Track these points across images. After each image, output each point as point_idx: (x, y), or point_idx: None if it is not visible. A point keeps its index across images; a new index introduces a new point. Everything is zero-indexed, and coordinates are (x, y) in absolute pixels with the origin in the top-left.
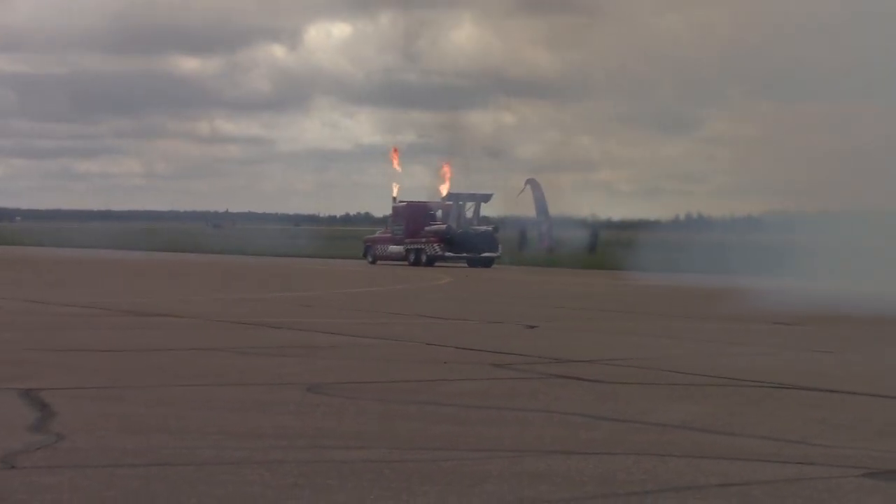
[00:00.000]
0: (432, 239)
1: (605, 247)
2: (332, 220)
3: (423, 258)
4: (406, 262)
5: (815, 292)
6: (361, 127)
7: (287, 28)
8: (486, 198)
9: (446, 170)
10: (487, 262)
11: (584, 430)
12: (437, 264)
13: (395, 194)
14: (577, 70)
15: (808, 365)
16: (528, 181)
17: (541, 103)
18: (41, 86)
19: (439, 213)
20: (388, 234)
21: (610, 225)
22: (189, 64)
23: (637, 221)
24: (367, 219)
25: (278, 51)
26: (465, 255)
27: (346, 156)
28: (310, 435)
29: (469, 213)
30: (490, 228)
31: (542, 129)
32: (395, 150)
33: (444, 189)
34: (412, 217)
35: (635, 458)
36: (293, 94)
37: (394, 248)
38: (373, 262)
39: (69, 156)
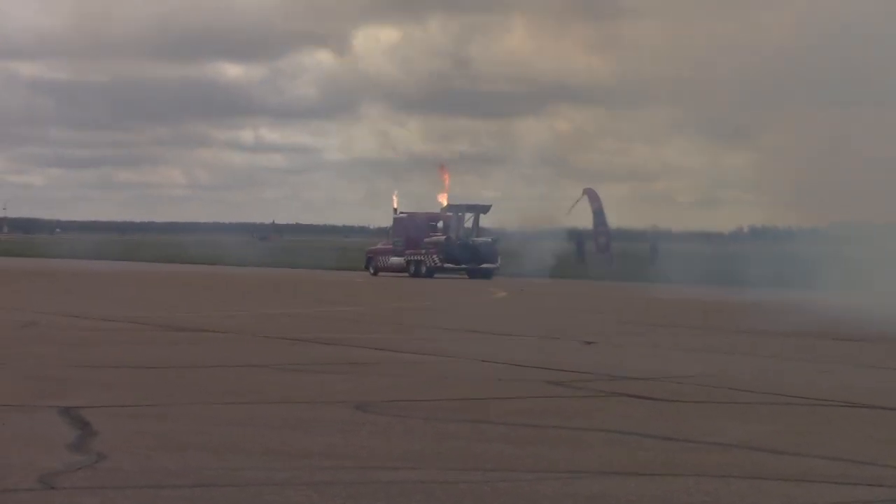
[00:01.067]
0: (432, 250)
1: (665, 259)
2: (383, 231)
3: (423, 269)
4: (406, 274)
5: (884, 307)
6: (411, 135)
7: (334, 33)
8: (486, 209)
9: (445, 178)
10: (487, 274)
11: (642, 450)
12: (436, 276)
13: (395, 205)
14: (633, 76)
15: (875, 383)
16: (586, 191)
17: (596, 110)
18: (80, 93)
19: (440, 224)
20: (390, 246)
21: (670, 236)
22: (232, 70)
23: (697, 233)
24: None
25: (325, 56)
26: (464, 266)
27: (395, 165)
28: (357, 455)
29: (468, 224)
30: (490, 240)
31: (597, 137)
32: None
33: (443, 198)
34: (412, 228)
35: (696, 480)
36: (340, 101)
37: (394, 260)
38: (374, 274)
39: (109, 165)
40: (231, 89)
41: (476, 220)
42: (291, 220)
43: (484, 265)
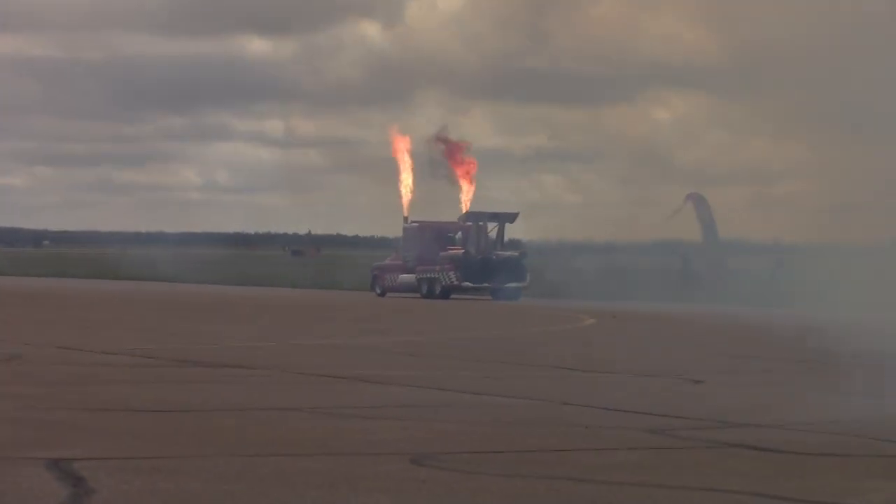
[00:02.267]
0: (447, 266)
1: (791, 277)
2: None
3: (437, 289)
4: (418, 295)
5: None
6: (477, 125)
7: (381, 1)
8: (512, 217)
9: (455, 158)
10: (514, 295)
11: None
12: (453, 296)
13: (405, 213)
14: (749, 55)
15: None
16: (690, 196)
17: (704, 97)
18: (72, 74)
19: (458, 235)
20: (399, 262)
21: (797, 250)
22: (258, 47)
23: (830, 245)
24: None
25: (370, 30)
26: (485, 285)
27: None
28: None
29: (493, 236)
30: (516, 254)
31: (705, 130)
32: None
33: (466, 196)
34: (425, 241)
35: None
36: (389, 84)
37: (404, 278)
38: (381, 295)
39: (108, 163)
40: (257, 70)
41: (501, 231)
42: (331, 231)
43: (509, 284)
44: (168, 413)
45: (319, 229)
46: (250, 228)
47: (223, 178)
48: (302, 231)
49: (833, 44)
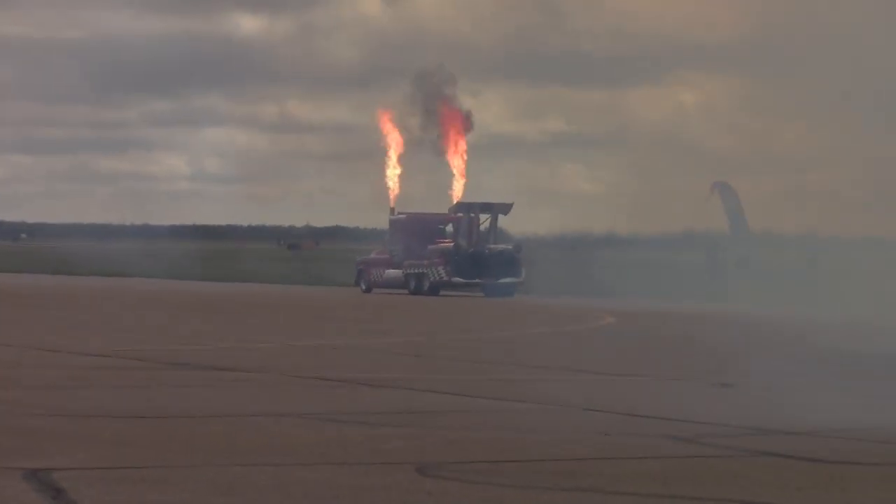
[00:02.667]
0: (436, 261)
1: (828, 272)
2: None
3: (426, 285)
4: (406, 291)
5: None
6: (489, 109)
7: None
8: (506, 208)
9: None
10: (507, 291)
11: None
12: (442, 292)
13: (392, 204)
14: (783, 34)
15: None
16: (717, 185)
17: (733, 78)
18: (48, 55)
19: (449, 228)
20: (385, 256)
21: (831, 243)
22: (251, 24)
23: (870, 239)
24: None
25: (371, 6)
26: (477, 280)
27: (468, 148)
28: None
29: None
30: (510, 247)
31: (734, 114)
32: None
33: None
34: (412, 233)
35: None
36: (393, 65)
37: (391, 273)
38: (367, 291)
39: (87, 150)
40: (249, 50)
41: (494, 223)
42: (330, 223)
43: (503, 280)
44: (156, 419)
45: (318, 221)
46: (243, 221)
47: (213, 167)
48: (299, 224)
49: (877, 23)
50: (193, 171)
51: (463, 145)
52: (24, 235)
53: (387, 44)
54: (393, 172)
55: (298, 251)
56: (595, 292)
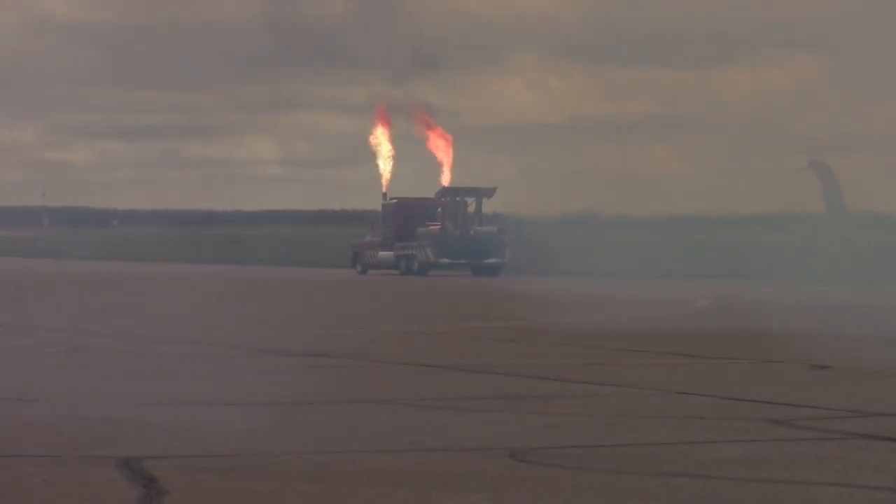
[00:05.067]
0: (424, 243)
1: None
2: (538, 222)
3: (415, 266)
4: (397, 272)
5: None
6: (576, 91)
7: None
8: (490, 192)
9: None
10: (493, 271)
11: None
12: (430, 273)
13: (384, 189)
14: (873, 10)
15: None
16: (812, 164)
17: (825, 57)
18: (132, 40)
19: (440, 211)
20: (379, 239)
21: None
22: (337, 6)
23: None
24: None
25: None
26: (463, 261)
27: (556, 130)
28: None
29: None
30: (495, 229)
31: (828, 93)
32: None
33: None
34: (403, 217)
35: None
36: (479, 46)
37: (383, 255)
38: (363, 272)
39: (175, 136)
40: (335, 32)
41: (478, 207)
42: None
43: (488, 260)
44: (245, 407)
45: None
46: (335, 205)
47: (302, 152)
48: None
49: None
50: (282, 155)
51: (440, 136)
52: (115, 223)
53: (473, 25)
54: (385, 161)
55: None
56: (688, 275)
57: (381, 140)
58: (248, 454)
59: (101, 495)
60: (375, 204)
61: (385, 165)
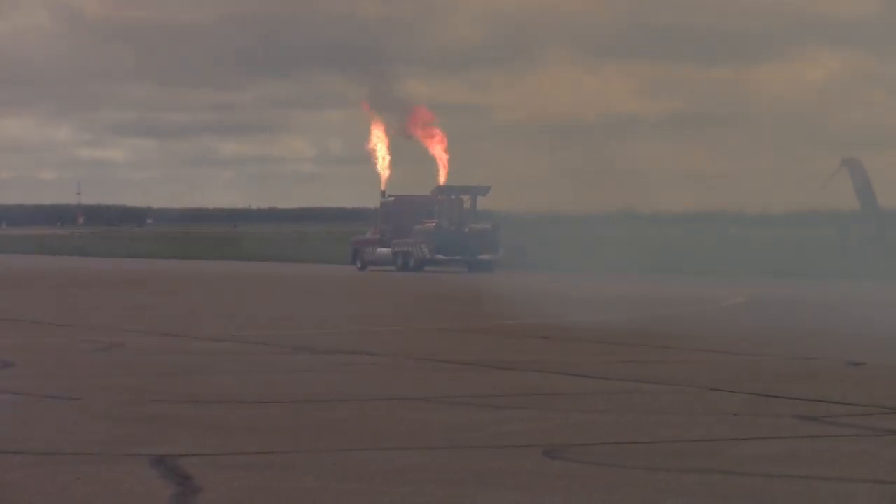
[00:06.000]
0: (420, 240)
1: None
2: (574, 219)
3: (411, 262)
4: (394, 268)
5: None
6: (610, 87)
7: None
8: (484, 190)
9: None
10: (487, 267)
11: None
12: (426, 269)
13: (383, 187)
14: None
15: None
16: (846, 162)
17: (860, 53)
18: (169, 37)
19: (436, 209)
20: (378, 235)
21: None
22: (369, 5)
23: None
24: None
25: None
26: (458, 257)
27: (590, 128)
28: None
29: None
30: (489, 226)
31: (862, 89)
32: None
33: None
34: (400, 215)
35: None
36: (512, 43)
37: (381, 251)
38: (362, 269)
39: (210, 133)
40: (368, 30)
41: (473, 204)
42: None
43: (482, 256)
44: (281, 404)
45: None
46: (372, 202)
47: (336, 149)
48: None
49: None
50: (316, 152)
51: (436, 136)
52: (150, 221)
53: (506, 21)
54: (382, 159)
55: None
56: (726, 273)
57: (378, 138)
58: (284, 451)
59: (135, 493)
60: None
61: (382, 163)
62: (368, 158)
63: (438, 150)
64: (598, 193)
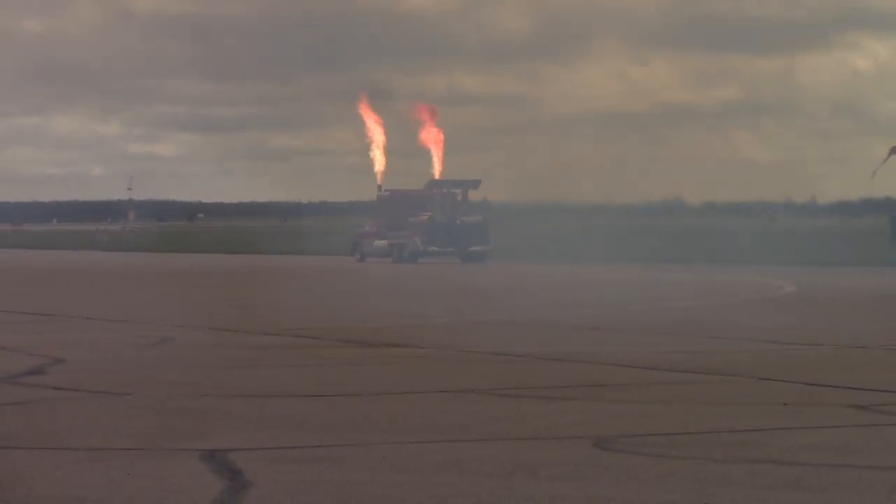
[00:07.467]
0: (413, 232)
1: None
2: (624, 210)
3: (405, 254)
4: (390, 260)
5: None
6: (659, 78)
7: None
8: (475, 184)
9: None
10: (478, 258)
11: None
12: (420, 261)
13: (379, 181)
14: None
15: None
16: (894, 149)
17: None
18: (217, 32)
19: (430, 202)
20: (376, 228)
21: None
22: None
23: None
24: (677, 205)
25: None
26: (450, 249)
27: (640, 118)
28: None
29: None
30: (480, 219)
31: None
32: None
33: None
34: (396, 208)
35: None
36: (561, 35)
37: (378, 244)
38: (361, 260)
39: (259, 128)
40: (417, 23)
41: (465, 197)
42: (506, 197)
43: (473, 248)
44: (331, 398)
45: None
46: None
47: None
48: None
49: None
50: (365, 145)
51: (433, 131)
52: (201, 216)
53: (555, 13)
54: (378, 153)
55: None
56: (777, 262)
57: (372, 132)
58: (334, 445)
59: (185, 488)
60: None
61: (378, 157)
62: (378, 151)
63: (435, 144)
64: (646, 184)
